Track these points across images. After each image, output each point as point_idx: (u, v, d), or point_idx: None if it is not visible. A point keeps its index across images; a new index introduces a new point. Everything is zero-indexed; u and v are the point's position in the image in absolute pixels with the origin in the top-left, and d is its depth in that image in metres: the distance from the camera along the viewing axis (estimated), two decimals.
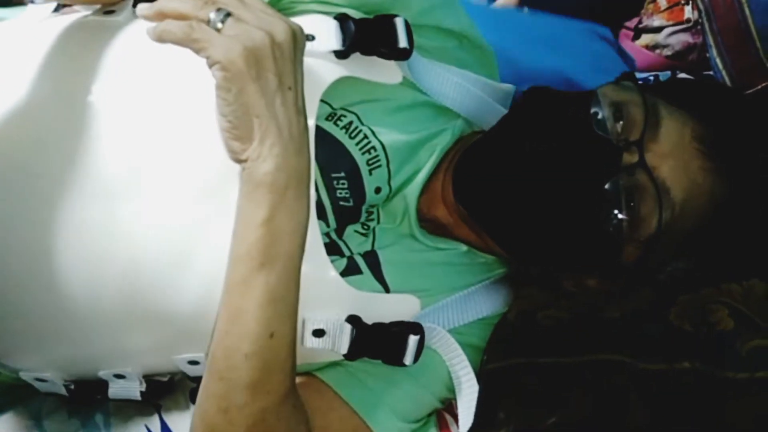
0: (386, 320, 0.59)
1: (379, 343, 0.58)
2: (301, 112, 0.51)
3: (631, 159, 0.56)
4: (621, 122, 0.58)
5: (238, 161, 0.50)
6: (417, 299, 0.62)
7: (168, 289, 0.55)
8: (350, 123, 0.61)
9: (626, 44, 1.23)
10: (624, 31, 1.24)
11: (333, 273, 0.57)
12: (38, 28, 0.61)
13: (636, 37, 1.22)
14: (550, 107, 0.61)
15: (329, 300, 0.56)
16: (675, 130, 0.58)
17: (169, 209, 0.54)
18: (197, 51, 0.48)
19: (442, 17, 0.66)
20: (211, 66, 0.47)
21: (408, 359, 0.59)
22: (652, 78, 1.19)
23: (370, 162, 0.62)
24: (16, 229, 0.55)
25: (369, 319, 0.58)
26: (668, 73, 1.19)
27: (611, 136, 0.57)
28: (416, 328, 0.59)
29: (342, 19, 0.58)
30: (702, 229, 0.60)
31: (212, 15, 0.48)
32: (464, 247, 0.66)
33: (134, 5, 0.60)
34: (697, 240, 0.60)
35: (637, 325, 0.65)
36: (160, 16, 0.49)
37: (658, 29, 1.21)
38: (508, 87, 0.73)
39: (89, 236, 0.54)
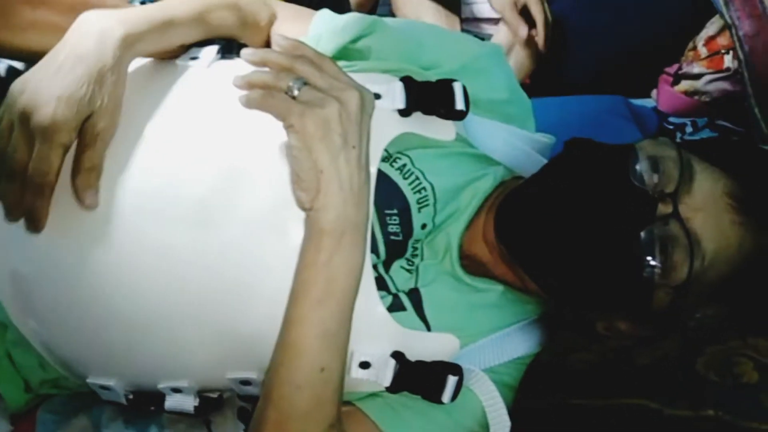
0: (427, 357, 0.62)
1: (420, 379, 0.61)
2: (363, 168, 0.57)
3: (665, 210, 0.60)
4: (657, 175, 0.61)
5: (304, 209, 0.56)
6: (456, 338, 0.65)
7: (234, 311, 0.59)
8: (404, 165, 0.67)
9: (665, 89, 1.24)
10: (664, 76, 1.25)
11: (381, 309, 0.61)
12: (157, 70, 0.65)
13: (675, 82, 1.23)
14: (590, 157, 0.65)
15: (376, 334, 0.60)
16: (708, 184, 0.62)
17: (241, 241, 0.59)
18: (276, 116, 0.54)
19: (498, 80, 0.73)
20: (286, 128, 0.54)
21: (446, 397, 0.62)
22: (689, 122, 1.21)
23: (420, 201, 0.67)
24: (106, 248, 0.59)
25: (411, 355, 0.62)
26: (706, 119, 1.20)
27: (647, 187, 0.61)
28: (455, 369, 0.62)
29: (407, 81, 0.64)
30: (731, 279, 0.62)
31: (290, 83, 0.55)
32: (501, 288, 0.70)
33: (218, 52, 0.67)
34: (725, 289, 0.63)
35: (664, 372, 0.67)
36: (249, 85, 0.56)
37: (697, 76, 1.22)
38: (548, 139, 0.77)
39: (167, 260, 0.58)
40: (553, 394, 0.68)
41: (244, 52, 0.58)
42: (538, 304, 0.72)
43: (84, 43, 0.56)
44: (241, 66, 0.59)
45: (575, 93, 1.18)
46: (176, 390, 0.65)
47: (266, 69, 0.57)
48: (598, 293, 0.63)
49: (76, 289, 0.60)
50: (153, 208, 0.59)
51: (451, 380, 0.61)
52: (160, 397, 0.66)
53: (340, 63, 0.68)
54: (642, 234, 0.59)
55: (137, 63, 0.65)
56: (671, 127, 1.20)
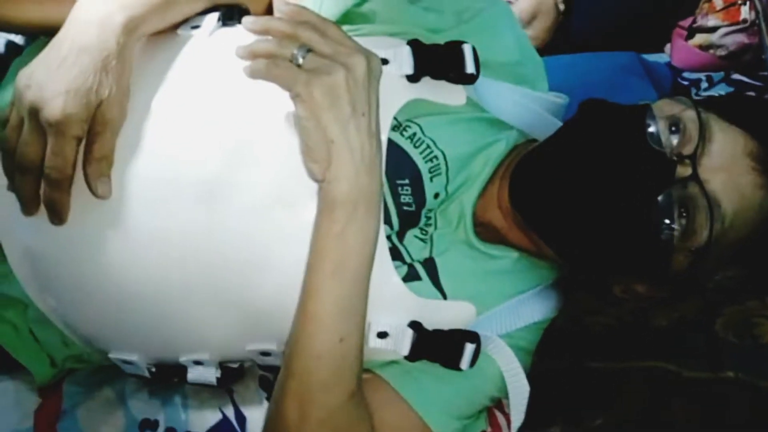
0: (444, 325, 0.62)
1: (437, 347, 0.61)
2: (374, 136, 0.56)
3: (684, 172, 0.59)
4: (675, 136, 0.60)
5: (316, 181, 0.55)
6: (472, 305, 0.65)
7: (249, 286, 0.59)
8: (414, 134, 0.66)
9: (679, 44, 1.22)
10: (677, 30, 1.22)
11: (396, 279, 0.61)
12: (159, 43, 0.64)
13: (690, 36, 1.20)
14: (605, 119, 0.64)
15: (392, 304, 0.60)
16: (728, 145, 0.60)
17: (252, 215, 0.58)
18: (281, 85, 0.53)
19: (507, 39, 0.70)
20: (292, 98, 0.53)
21: (464, 364, 0.62)
22: (704, 78, 1.18)
23: (432, 170, 0.66)
24: (117, 229, 0.58)
25: (428, 323, 0.61)
26: (722, 73, 1.17)
27: (665, 149, 0.60)
28: (473, 336, 0.62)
29: (414, 44, 0.62)
30: (751, 241, 0.61)
31: (294, 51, 0.54)
32: (516, 254, 0.69)
33: (219, 20, 0.64)
34: (745, 251, 0.62)
35: (682, 334, 0.67)
36: (252, 54, 0.54)
37: (712, 29, 1.19)
38: (562, 99, 0.75)
39: (178, 238, 0.58)
40: (570, 358, 0.68)
41: (245, 20, 0.57)
42: (553, 269, 0.71)
43: (86, 33, 0.55)
44: (243, 33, 0.58)
45: (587, 49, 1.16)
46: (198, 362, 0.65)
47: (269, 37, 0.55)
48: (617, 258, 0.62)
49: (90, 269, 0.60)
50: (161, 187, 0.58)
51: (469, 347, 0.61)
52: (182, 369, 0.66)
53: (345, 27, 0.66)
54: (660, 197, 0.58)
55: None
56: (686, 82, 1.18)
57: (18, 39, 0.74)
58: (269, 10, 0.73)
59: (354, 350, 0.57)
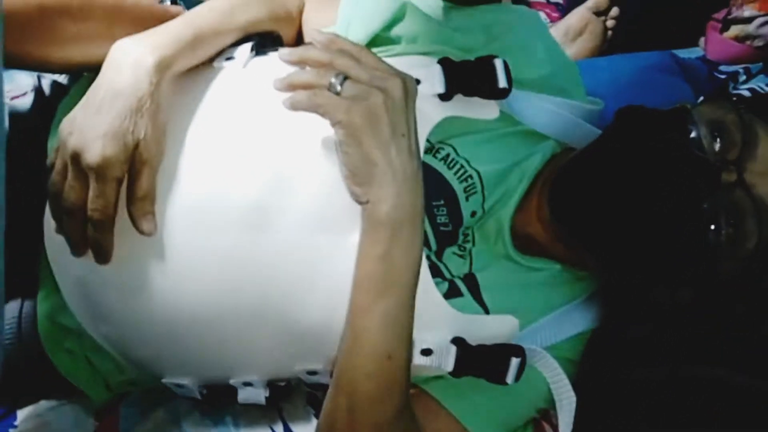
0: (488, 340, 0.62)
1: (482, 363, 0.61)
2: (414, 156, 0.56)
3: (729, 178, 0.58)
4: (718, 141, 0.59)
5: (360, 203, 0.56)
6: (515, 319, 0.64)
7: (296, 308, 0.60)
8: (447, 155, 0.66)
9: (714, 37, 1.19)
10: (711, 23, 1.19)
11: (438, 296, 0.60)
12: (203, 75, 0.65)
13: (725, 28, 1.17)
14: (645, 126, 0.62)
15: (435, 321, 0.60)
16: None
17: (296, 239, 0.59)
18: (322, 115, 0.54)
19: (539, 53, 0.69)
20: (333, 126, 0.54)
21: (510, 379, 0.61)
22: (742, 70, 1.15)
23: (467, 189, 0.66)
24: (165, 260, 0.60)
25: (472, 339, 0.61)
26: (760, 64, 1.14)
27: (708, 155, 0.58)
28: (518, 350, 0.61)
29: (445, 63, 0.62)
30: None
31: (332, 80, 0.55)
32: (558, 266, 0.68)
33: (252, 50, 0.65)
34: None
35: (730, 339, 0.65)
36: (291, 86, 0.56)
37: (748, 20, 1.16)
38: (597, 105, 0.74)
39: (226, 265, 0.59)
40: (617, 367, 0.67)
41: (281, 52, 0.58)
42: (594, 278, 0.70)
43: (119, 77, 0.56)
44: (276, 62, 0.59)
45: (620, 45, 1.14)
46: (247, 384, 0.66)
47: (305, 67, 0.56)
48: (663, 267, 0.61)
49: (139, 301, 0.61)
50: (205, 217, 0.59)
51: (514, 362, 0.61)
52: (232, 390, 0.68)
53: (375, 50, 0.67)
54: (706, 205, 0.57)
55: None
56: (723, 76, 1.14)
57: (62, 78, 0.76)
58: (300, 33, 0.74)
59: (402, 367, 0.57)
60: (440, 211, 0.66)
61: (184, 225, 0.59)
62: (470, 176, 0.66)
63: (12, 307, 0.72)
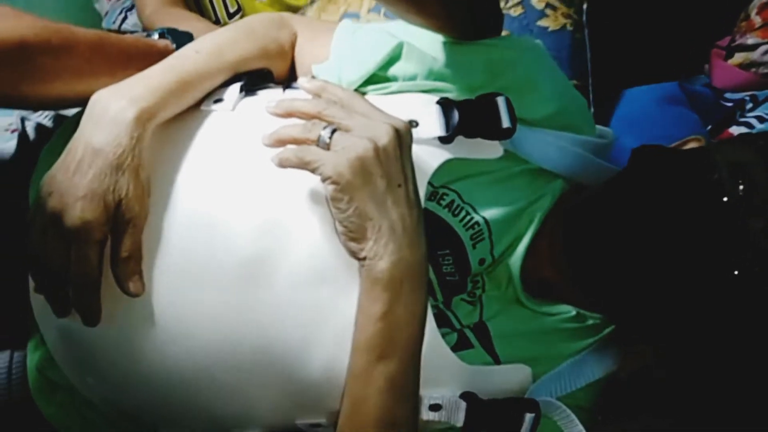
0: (499, 390, 0.57)
1: (494, 418, 0.56)
2: (414, 205, 0.52)
3: (756, 224, 0.51)
4: (741, 185, 0.52)
5: (357, 259, 0.52)
6: (528, 368, 0.60)
7: (295, 363, 0.56)
8: (452, 201, 0.60)
9: (718, 64, 1.15)
10: (715, 50, 1.16)
11: (446, 350, 0.56)
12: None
13: (729, 56, 1.14)
14: (664, 167, 0.57)
15: (443, 376, 0.56)
16: None
17: (294, 294, 0.55)
18: (312, 171, 0.51)
19: (545, 90, 0.63)
20: (323, 181, 0.50)
21: None
22: (748, 98, 1.12)
23: (474, 237, 0.61)
24: (154, 320, 0.56)
25: (483, 390, 0.57)
26: (766, 92, 1.10)
27: (732, 199, 0.52)
28: (532, 405, 0.57)
29: (445, 103, 0.58)
30: None
31: (321, 133, 0.52)
32: (573, 311, 0.63)
33: (241, 91, 0.61)
34: None
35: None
36: (278, 142, 0.53)
37: (752, 47, 1.12)
38: (607, 140, 0.69)
39: (218, 324, 0.55)
40: (637, 415, 0.62)
41: (267, 107, 0.55)
42: (609, 322, 0.65)
43: (98, 133, 0.52)
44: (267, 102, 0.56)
45: (627, 75, 1.10)
46: None
47: (294, 120, 0.53)
48: (689, 325, 0.55)
49: (128, 358, 0.57)
50: (197, 274, 0.55)
51: (528, 417, 0.56)
52: None
53: (370, 87, 0.63)
54: (737, 270, 0.50)
55: None
56: (730, 104, 1.11)
57: (47, 120, 0.72)
58: (293, 65, 0.70)
59: (408, 427, 0.53)
60: (446, 260, 0.61)
61: (172, 283, 0.55)
62: (477, 223, 0.61)
63: (2, 358, 0.68)
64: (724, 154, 0.55)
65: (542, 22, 0.97)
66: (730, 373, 0.61)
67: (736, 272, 0.51)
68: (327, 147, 0.51)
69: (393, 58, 0.62)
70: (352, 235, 0.51)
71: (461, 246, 0.60)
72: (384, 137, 0.51)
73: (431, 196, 0.60)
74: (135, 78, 0.56)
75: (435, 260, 0.60)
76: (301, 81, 0.57)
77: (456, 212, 0.60)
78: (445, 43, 0.63)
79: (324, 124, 0.52)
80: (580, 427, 0.59)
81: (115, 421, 0.65)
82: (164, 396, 0.58)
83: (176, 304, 0.55)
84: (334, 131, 0.52)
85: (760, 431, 0.62)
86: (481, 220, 0.61)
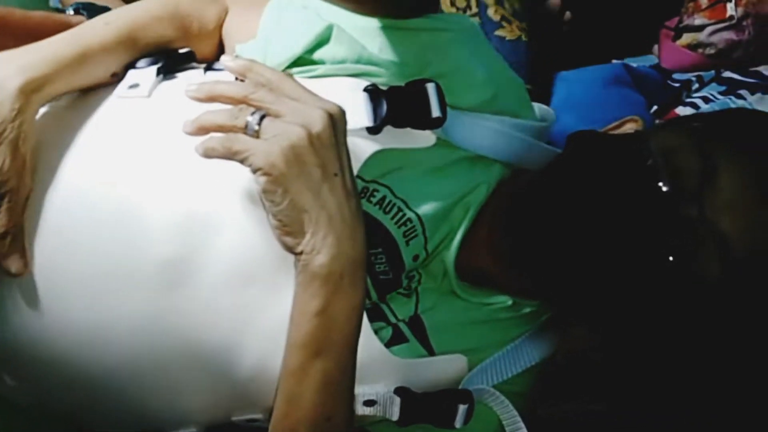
0: (434, 382, 0.57)
1: (428, 411, 0.56)
2: (352, 194, 0.50)
3: (689, 212, 0.51)
4: (675, 172, 0.52)
5: (293, 254, 0.49)
6: (463, 357, 0.59)
7: (226, 362, 0.54)
8: (383, 198, 0.58)
9: (667, 45, 1.15)
10: (664, 31, 1.16)
11: (379, 346, 0.55)
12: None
13: (677, 37, 1.14)
14: (599, 153, 0.56)
15: (377, 372, 0.55)
16: (735, 177, 0.51)
17: (222, 293, 0.53)
18: (241, 162, 0.47)
19: (478, 75, 0.61)
20: (254, 173, 0.47)
21: (458, 423, 0.57)
22: (694, 78, 1.12)
23: (407, 233, 0.59)
24: (69, 321, 0.53)
25: (417, 384, 0.56)
26: (712, 72, 1.11)
27: (666, 186, 0.51)
28: (465, 396, 0.56)
29: (372, 91, 0.54)
30: None
31: (249, 119, 0.47)
32: (509, 301, 0.62)
33: (158, 74, 0.58)
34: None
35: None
36: (201, 130, 0.49)
37: (699, 28, 1.12)
38: (547, 121, 0.67)
39: (142, 329, 0.53)
40: (573, 398, 0.62)
41: (187, 90, 0.51)
42: (549, 307, 0.64)
43: None
44: (186, 85, 0.51)
45: (574, 55, 1.10)
46: None
47: (217, 105, 0.49)
48: (618, 304, 0.55)
49: (47, 360, 0.55)
50: (111, 279, 0.52)
51: (462, 408, 0.56)
52: None
53: (294, 70, 0.59)
54: (663, 240, 0.50)
55: (69, 99, 0.57)
56: (677, 84, 1.11)
57: None
58: (221, 46, 0.66)
59: (343, 426, 0.52)
60: (379, 259, 0.59)
61: (87, 287, 0.52)
62: (409, 219, 0.59)
63: None
64: (659, 139, 0.54)
65: (499, 32, 1.00)
66: (664, 356, 0.62)
67: (671, 258, 0.51)
68: (256, 135, 0.47)
69: (321, 41, 0.58)
70: (288, 229, 0.48)
71: (394, 244, 0.58)
72: (318, 123, 0.48)
73: (362, 192, 0.58)
74: (32, 46, 0.53)
75: (368, 259, 0.57)
76: (225, 59, 0.53)
77: (387, 209, 0.58)
78: (375, 28, 0.59)
79: (252, 109, 0.48)
80: (514, 411, 0.59)
81: (45, 423, 0.64)
82: (92, 399, 0.57)
83: (92, 308, 0.53)
84: (263, 117, 0.48)
85: (696, 414, 0.63)
86: (413, 217, 0.59)
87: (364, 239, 0.50)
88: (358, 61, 0.58)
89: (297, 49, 0.58)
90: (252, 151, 0.47)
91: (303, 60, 0.59)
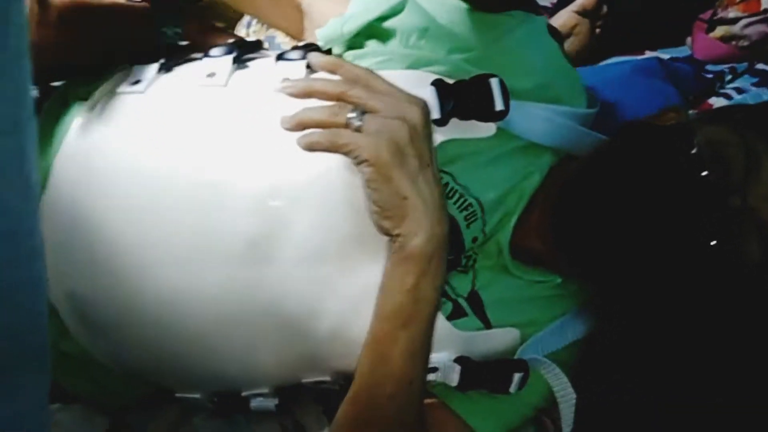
0: (491, 352, 0.61)
1: (486, 378, 0.61)
2: (438, 183, 0.53)
3: (733, 202, 0.54)
4: (720, 163, 0.55)
5: (390, 236, 0.53)
6: (517, 330, 0.63)
7: (302, 333, 0.59)
8: (446, 184, 0.61)
9: (700, 37, 1.16)
10: (698, 23, 1.17)
11: (442, 320, 0.59)
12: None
13: (711, 29, 1.15)
14: (648, 143, 0.59)
15: (440, 343, 0.58)
16: None
17: (300, 270, 0.57)
18: (346, 154, 0.51)
19: (537, 59, 0.64)
20: (358, 164, 0.50)
21: (513, 389, 0.61)
22: (727, 69, 1.13)
23: (468, 217, 0.63)
24: (159, 290, 0.58)
25: (476, 353, 0.61)
26: (745, 64, 1.12)
27: (711, 177, 0.54)
28: (520, 365, 0.60)
29: (438, 85, 0.57)
30: None
31: (350, 116, 0.51)
32: (558, 278, 0.66)
33: (234, 62, 0.61)
34: None
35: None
36: (302, 126, 0.52)
37: (733, 21, 1.13)
38: (594, 107, 0.70)
39: (224, 299, 0.57)
40: (618, 370, 0.66)
41: (284, 86, 0.54)
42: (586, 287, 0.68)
43: None
44: (261, 75, 0.55)
45: (609, 47, 1.12)
46: (258, 394, 0.65)
47: (313, 100, 0.53)
48: (666, 295, 0.58)
49: (136, 323, 0.59)
50: (200, 252, 0.56)
51: (517, 376, 0.60)
52: (244, 400, 0.67)
53: (355, 52, 0.62)
54: (710, 231, 0.53)
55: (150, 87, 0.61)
56: (710, 75, 1.13)
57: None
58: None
59: (420, 390, 0.57)
60: None
61: (173, 260, 0.57)
62: (470, 204, 0.62)
63: None
64: (704, 130, 0.56)
65: None
66: (700, 339, 0.65)
67: (713, 242, 0.54)
68: (358, 129, 0.51)
69: (396, 10, 0.62)
70: (388, 213, 0.51)
71: (456, 227, 0.62)
72: (414, 117, 0.51)
73: None
74: None
75: None
76: (313, 57, 0.56)
77: (450, 195, 0.62)
78: (452, 8, 0.62)
79: (350, 106, 0.51)
80: (565, 378, 0.63)
81: (133, 385, 0.68)
82: (173, 361, 0.61)
83: (181, 278, 0.57)
84: (362, 113, 0.51)
85: (730, 399, 0.65)
86: (474, 202, 0.62)
87: (448, 224, 0.54)
88: (421, 35, 0.60)
89: (370, 16, 0.61)
90: (358, 144, 0.50)
91: (374, 30, 0.62)
